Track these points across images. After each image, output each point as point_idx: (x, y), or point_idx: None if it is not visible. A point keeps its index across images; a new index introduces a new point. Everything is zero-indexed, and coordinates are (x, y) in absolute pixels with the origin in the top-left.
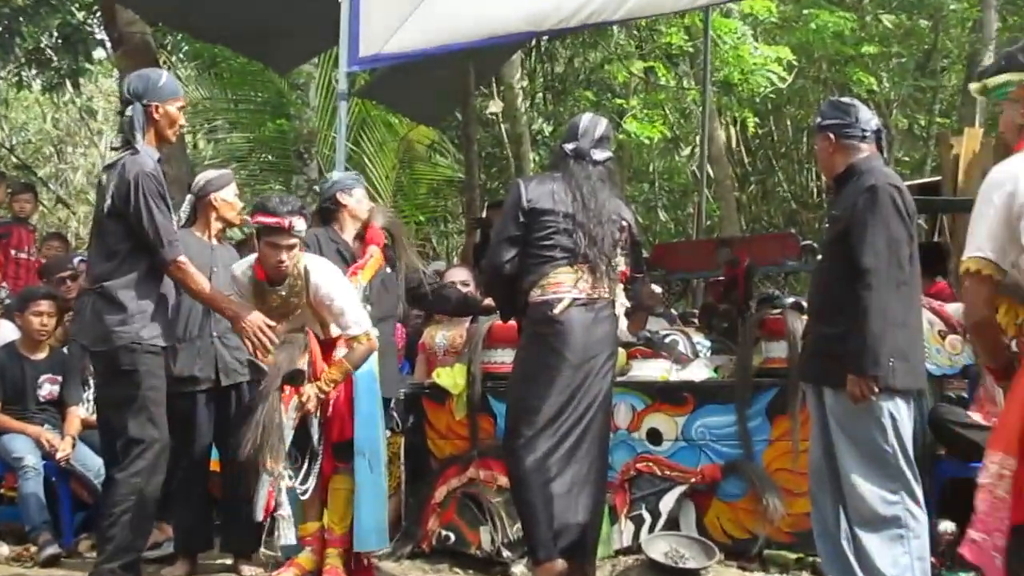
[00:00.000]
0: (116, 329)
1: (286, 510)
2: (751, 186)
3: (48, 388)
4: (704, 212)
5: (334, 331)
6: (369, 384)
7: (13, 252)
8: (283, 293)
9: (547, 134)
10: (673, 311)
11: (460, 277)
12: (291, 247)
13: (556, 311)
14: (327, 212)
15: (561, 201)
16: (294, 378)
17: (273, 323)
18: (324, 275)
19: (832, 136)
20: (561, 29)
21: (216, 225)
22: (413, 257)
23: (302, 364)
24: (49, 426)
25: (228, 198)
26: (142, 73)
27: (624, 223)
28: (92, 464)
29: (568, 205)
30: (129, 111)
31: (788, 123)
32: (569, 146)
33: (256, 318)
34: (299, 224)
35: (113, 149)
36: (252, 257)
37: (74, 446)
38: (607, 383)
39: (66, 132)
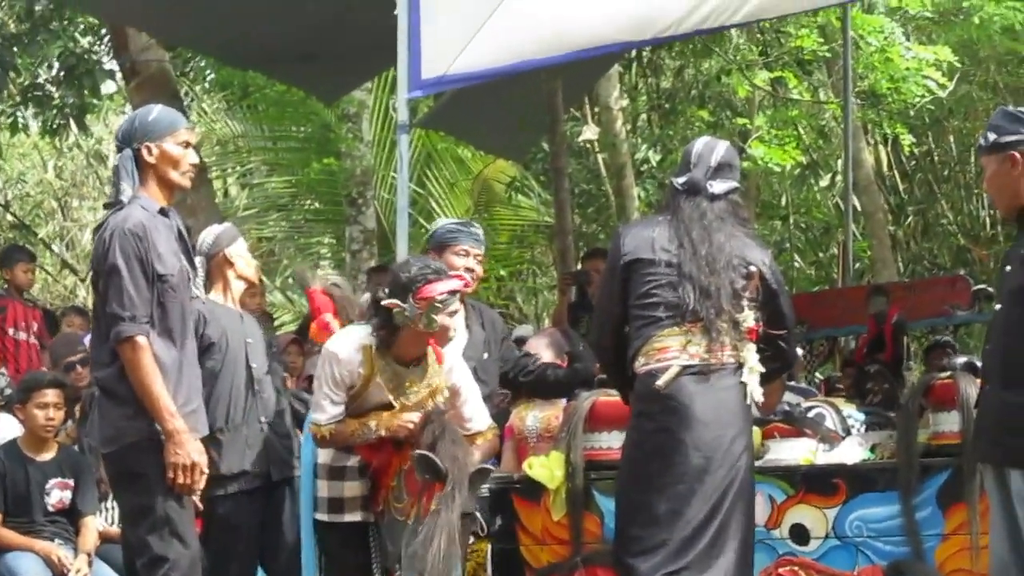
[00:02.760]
0: (122, 424)
1: None
2: (908, 219)
3: (58, 495)
4: (852, 253)
5: None
6: None
7: (11, 331)
8: (426, 374)
9: (654, 164)
10: (819, 376)
11: (542, 346)
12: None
13: (660, 383)
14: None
15: (663, 249)
16: (481, 476)
17: (204, 470)
18: (457, 359)
19: (1018, 155)
20: (668, 37)
21: (237, 287)
22: None
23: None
24: (60, 541)
25: (243, 252)
26: (131, 114)
27: (751, 268)
28: None
29: (672, 253)
30: (115, 159)
31: (951, 140)
32: (680, 180)
33: (194, 452)
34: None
35: (105, 207)
36: (356, 334)
37: (91, 564)
38: (743, 468)
39: (71, 182)
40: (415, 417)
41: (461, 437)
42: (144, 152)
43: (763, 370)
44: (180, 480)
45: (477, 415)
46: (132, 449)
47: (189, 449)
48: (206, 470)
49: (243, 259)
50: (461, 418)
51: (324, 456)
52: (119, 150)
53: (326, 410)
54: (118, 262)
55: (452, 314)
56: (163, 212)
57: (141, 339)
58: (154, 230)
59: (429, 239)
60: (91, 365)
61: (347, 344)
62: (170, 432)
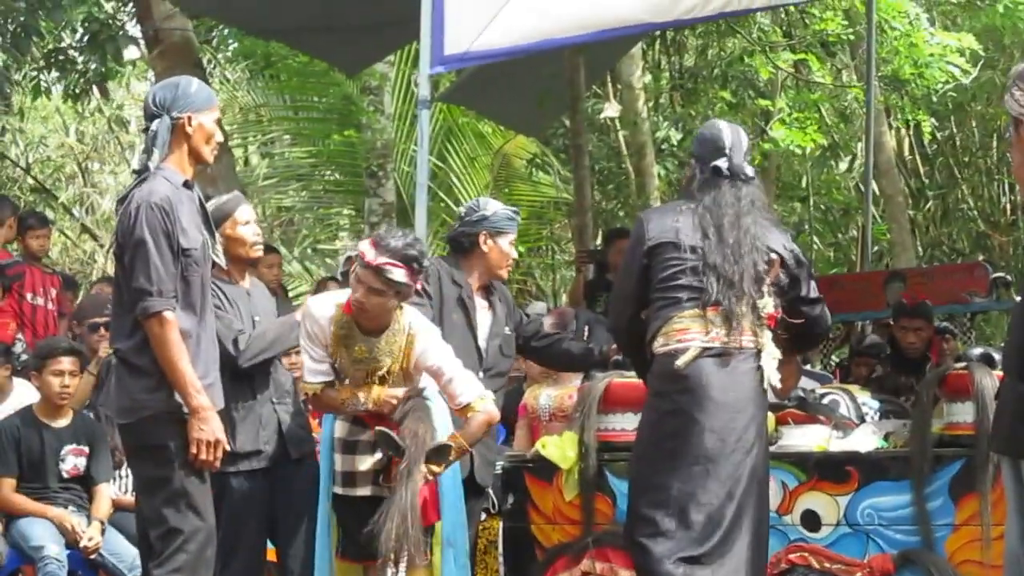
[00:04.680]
0: (141, 397)
1: None
2: (928, 203)
3: (72, 462)
4: (871, 236)
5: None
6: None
7: (29, 297)
8: (377, 347)
9: (675, 143)
10: (834, 360)
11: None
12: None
13: (680, 363)
14: (458, 245)
15: (687, 235)
16: (440, 454)
17: (227, 447)
18: (432, 341)
19: None
20: (691, 19)
21: (240, 265)
22: None
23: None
24: (74, 508)
25: (234, 232)
26: (169, 81)
27: (774, 255)
28: (126, 555)
29: (697, 239)
30: (155, 125)
31: (974, 125)
32: (721, 162)
33: (218, 429)
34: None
35: (134, 173)
36: (337, 294)
37: (103, 532)
38: (758, 452)
39: (92, 147)
40: (399, 392)
41: (429, 414)
42: (185, 123)
43: (780, 357)
44: (203, 456)
45: (464, 388)
46: (151, 421)
47: (213, 426)
48: (228, 447)
49: (235, 239)
50: (451, 396)
51: (340, 430)
52: (153, 117)
53: (307, 367)
54: (145, 236)
55: (373, 293)
56: (186, 185)
57: (168, 314)
58: (179, 204)
59: (479, 219)
60: (111, 335)
61: (324, 301)
62: (195, 408)
